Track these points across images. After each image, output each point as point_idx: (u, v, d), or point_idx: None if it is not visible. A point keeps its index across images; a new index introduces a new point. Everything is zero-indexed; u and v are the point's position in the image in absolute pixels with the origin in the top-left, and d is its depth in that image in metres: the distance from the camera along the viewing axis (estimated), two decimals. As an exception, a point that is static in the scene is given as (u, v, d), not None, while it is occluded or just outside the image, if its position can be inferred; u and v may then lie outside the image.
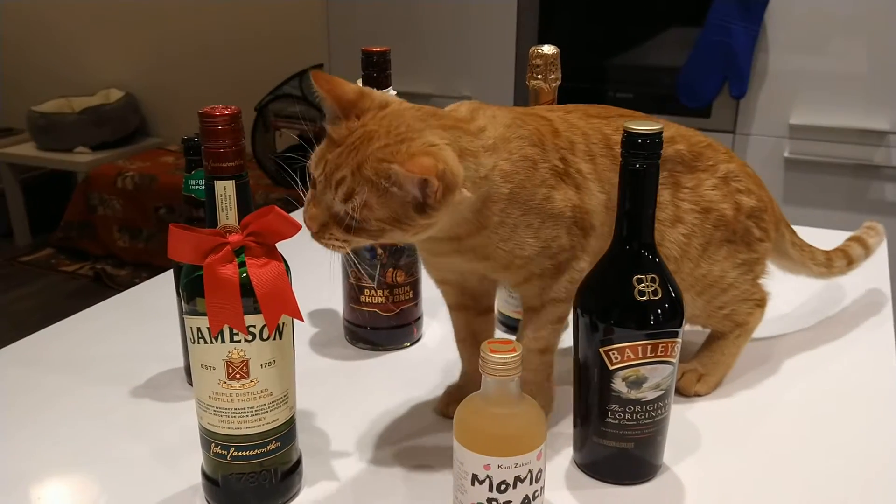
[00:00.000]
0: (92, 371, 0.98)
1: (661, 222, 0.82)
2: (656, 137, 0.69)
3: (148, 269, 3.39)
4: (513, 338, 0.82)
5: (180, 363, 0.96)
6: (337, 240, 0.70)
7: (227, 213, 0.67)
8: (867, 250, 1.08)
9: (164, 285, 1.20)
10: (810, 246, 1.02)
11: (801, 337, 1.04)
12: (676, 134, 0.87)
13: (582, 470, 0.79)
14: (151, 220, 3.46)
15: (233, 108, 0.66)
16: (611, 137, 0.82)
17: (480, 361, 0.65)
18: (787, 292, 1.06)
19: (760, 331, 0.96)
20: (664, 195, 0.84)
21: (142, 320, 1.11)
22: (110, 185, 3.51)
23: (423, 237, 0.72)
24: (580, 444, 0.78)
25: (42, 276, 3.56)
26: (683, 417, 0.86)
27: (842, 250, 1.07)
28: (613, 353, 0.72)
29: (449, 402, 0.87)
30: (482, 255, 0.76)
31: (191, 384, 0.92)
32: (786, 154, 2.13)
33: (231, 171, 0.66)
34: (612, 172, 0.80)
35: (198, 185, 0.87)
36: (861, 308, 1.12)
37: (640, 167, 0.69)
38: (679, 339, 0.73)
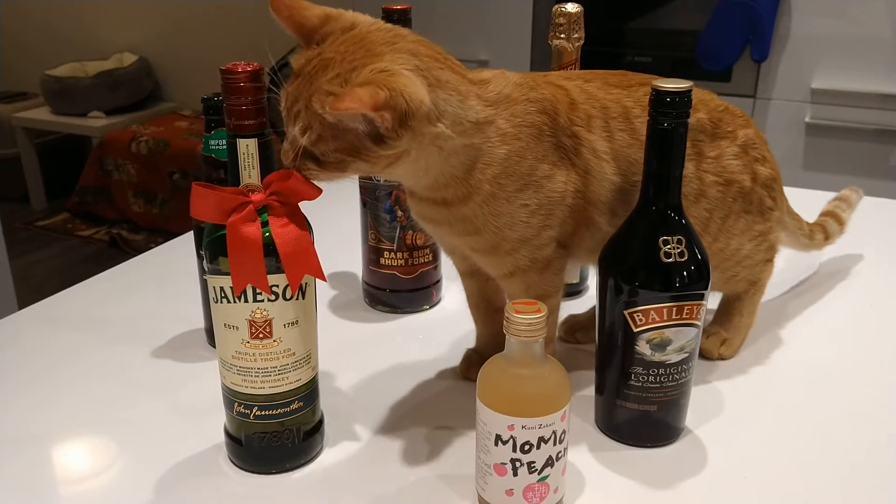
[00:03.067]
0: (112, 331, 0.98)
1: (686, 197, 0.78)
2: (685, 96, 0.67)
3: (163, 234, 3.40)
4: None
5: (201, 324, 0.96)
6: (312, 171, 0.66)
7: (250, 171, 0.66)
8: (842, 226, 1.07)
9: (182, 247, 1.20)
10: (799, 216, 1.00)
11: (811, 295, 1.04)
12: (697, 101, 0.82)
13: (603, 433, 0.78)
14: (166, 185, 3.47)
15: (254, 64, 0.65)
16: (631, 110, 0.77)
17: (505, 322, 0.64)
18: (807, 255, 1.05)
19: (776, 290, 0.95)
20: (689, 168, 0.79)
21: (162, 282, 1.11)
22: (125, 149, 3.51)
23: (399, 171, 0.68)
24: (602, 407, 0.78)
25: (58, 240, 3.58)
26: (705, 380, 0.86)
27: (819, 225, 1.05)
28: (638, 316, 0.71)
29: (469, 366, 0.86)
30: (472, 227, 0.73)
31: (212, 345, 0.93)
32: (807, 119, 2.10)
33: (253, 128, 0.65)
34: (632, 149, 0.76)
35: (217, 145, 0.86)
36: (872, 267, 1.11)
37: (668, 126, 0.68)
38: (704, 302, 0.72)
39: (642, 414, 0.75)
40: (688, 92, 0.67)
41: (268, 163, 0.66)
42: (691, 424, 0.79)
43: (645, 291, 0.70)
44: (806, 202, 1.06)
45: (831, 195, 1.13)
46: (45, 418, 0.82)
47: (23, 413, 0.82)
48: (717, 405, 0.82)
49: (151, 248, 1.24)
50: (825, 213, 1.09)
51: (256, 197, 0.66)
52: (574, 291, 1.07)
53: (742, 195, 0.84)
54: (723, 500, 0.70)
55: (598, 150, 0.75)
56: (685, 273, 0.70)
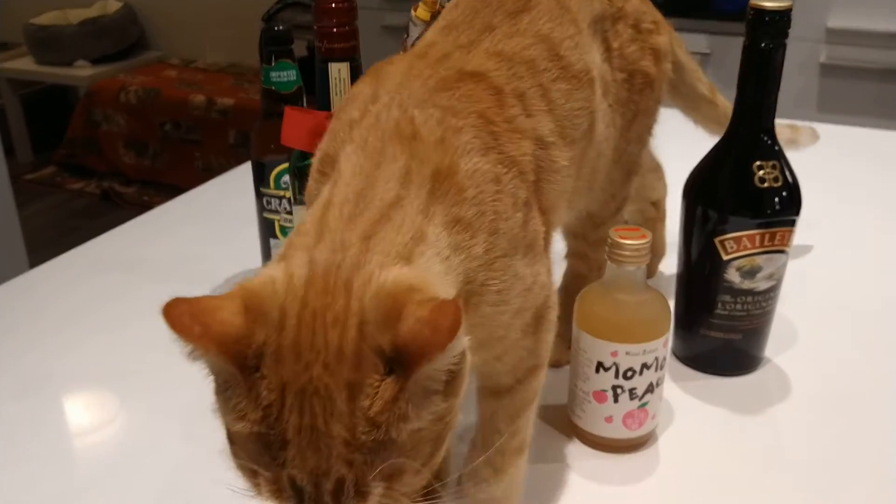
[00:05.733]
0: (159, 272, 0.96)
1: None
2: (786, 14, 0.66)
3: (155, 186, 3.34)
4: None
5: (256, 264, 0.94)
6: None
7: (342, 96, 0.64)
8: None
9: (219, 187, 1.18)
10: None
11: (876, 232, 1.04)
12: None
13: (683, 362, 0.78)
14: (157, 136, 3.39)
15: (347, -16, 0.62)
16: (555, 43, 0.57)
17: (608, 249, 0.63)
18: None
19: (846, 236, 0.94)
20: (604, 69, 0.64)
21: (204, 223, 1.09)
22: (113, 100, 3.42)
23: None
24: (683, 336, 0.78)
25: (48, 194, 3.51)
26: (778, 313, 0.85)
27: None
28: (729, 243, 0.70)
29: None
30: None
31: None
32: (822, 59, 2.09)
33: (346, 52, 0.63)
34: (575, 101, 0.58)
35: (279, 77, 0.83)
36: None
37: (767, 47, 0.66)
38: (795, 229, 0.71)
39: (726, 343, 0.75)
40: (788, 10, 0.66)
41: (360, 87, 0.64)
42: (770, 354, 0.79)
43: (737, 218, 0.69)
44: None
45: (846, 129, 1.10)
46: (89, 358, 0.80)
47: (67, 352, 0.81)
48: (792, 336, 0.82)
49: (144, 200, 1.21)
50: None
51: (350, 123, 0.63)
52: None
53: (648, 85, 0.68)
54: (811, 424, 0.70)
55: (544, 134, 0.55)
56: (779, 199, 0.69)
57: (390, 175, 0.45)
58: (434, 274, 0.42)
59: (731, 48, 2.07)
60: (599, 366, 0.64)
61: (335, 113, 0.54)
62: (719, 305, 0.73)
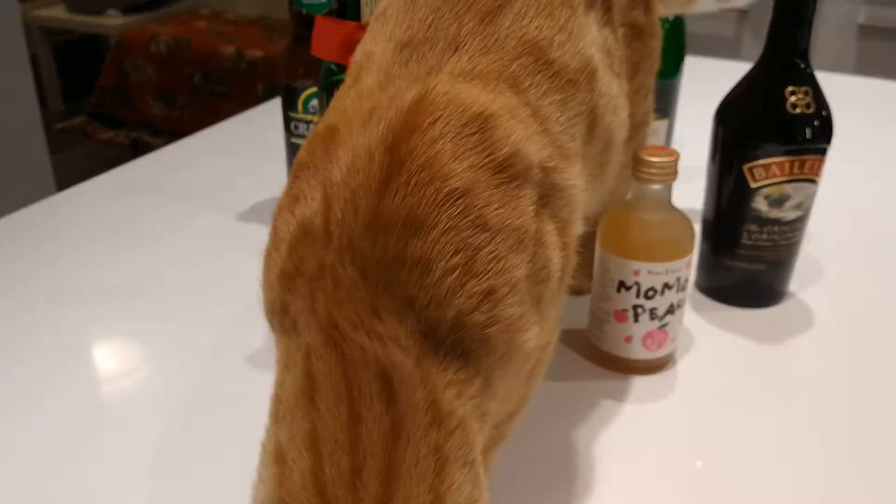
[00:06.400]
0: (190, 197, 0.97)
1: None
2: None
3: (183, 138, 3.36)
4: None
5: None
6: None
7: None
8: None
9: (252, 120, 1.18)
10: None
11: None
12: None
13: (706, 295, 0.78)
14: (186, 88, 3.41)
15: None
16: (543, 48, 0.47)
17: (634, 167, 0.63)
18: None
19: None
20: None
21: (236, 152, 1.09)
22: (143, 49, 3.44)
23: None
24: (708, 268, 0.77)
25: (78, 143, 3.54)
26: (805, 252, 0.85)
27: None
28: (758, 170, 0.70)
29: None
30: None
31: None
32: (860, 20, 2.04)
33: (377, -40, 0.62)
34: (570, 110, 0.49)
35: (310, -2, 0.83)
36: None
37: (805, -32, 0.65)
38: (825, 159, 0.70)
39: (750, 274, 0.74)
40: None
41: None
42: (794, 289, 0.78)
43: (767, 145, 0.69)
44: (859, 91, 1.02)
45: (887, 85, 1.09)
46: (113, 272, 0.81)
47: (95, 266, 0.82)
48: (817, 272, 0.82)
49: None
50: None
51: (380, 33, 0.63)
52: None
53: (638, 34, 0.63)
54: (833, 358, 0.70)
55: (569, 150, 0.49)
56: (810, 126, 0.68)
57: None
58: (465, 501, 0.38)
59: None
60: (621, 285, 0.64)
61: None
62: (745, 235, 0.72)
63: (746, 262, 0.74)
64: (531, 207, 0.43)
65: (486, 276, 0.39)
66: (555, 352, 0.63)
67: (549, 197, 0.45)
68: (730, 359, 0.70)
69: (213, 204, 0.95)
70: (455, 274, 0.38)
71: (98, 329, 0.73)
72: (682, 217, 0.64)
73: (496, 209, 0.40)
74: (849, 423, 0.62)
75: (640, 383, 0.66)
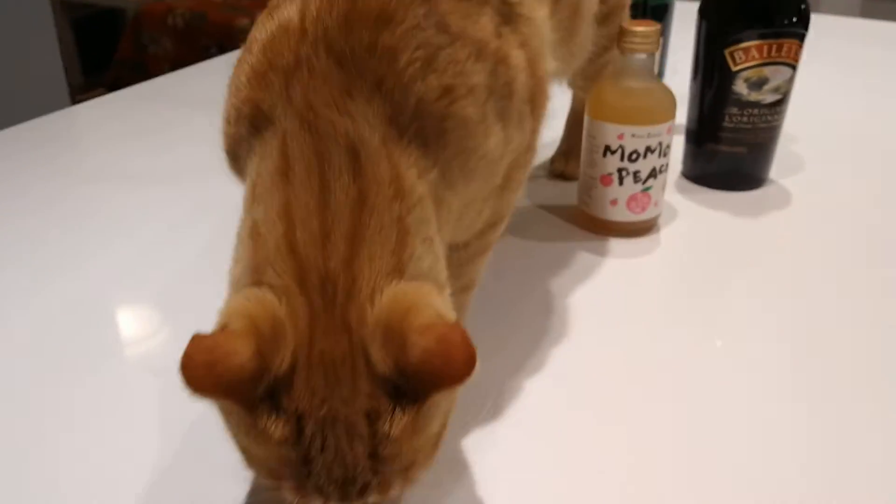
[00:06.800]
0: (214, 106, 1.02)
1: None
2: None
3: (200, 108, 3.42)
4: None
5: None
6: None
7: None
8: None
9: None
10: None
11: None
12: None
13: (693, 181, 0.83)
14: (202, 60, 3.47)
15: None
16: None
17: (619, 39, 0.68)
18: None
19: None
20: None
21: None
22: (160, 23, 3.50)
23: None
24: (693, 154, 0.82)
25: (96, 113, 3.61)
26: (787, 149, 0.90)
27: None
28: (738, 54, 0.74)
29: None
30: None
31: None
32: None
33: None
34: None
35: None
36: None
37: None
38: (803, 44, 0.75)
39: (733, 158, 0.79)
40: None
41: None
42: (774, 176, 0.83)
43: (747, 29, 0.73)
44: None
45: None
46: (151, 166, 0.87)
47: (113, 174, 0.88)
48: (797, 163, 0.86)
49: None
50: None
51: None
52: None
53: None
54: (806, 229, 0.74)
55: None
56: (787, 10, 0.73)
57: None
58: (426, 271, 0.41)
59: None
60: (607, 149, 0.69)
61: None
62: (726, 118, 0.77)
63: (728, 144, 0.78)
64: (491, 26, 0.48)
65: (445, 74, 0.44)
66: (546, 221, 0.69)
67: (513, 23, 0.50)
68: (709, 227, 0.75)
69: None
70: (418, 65, 0.43)
71: (113, 215, 0.78)
72: (663, 86, 0.69)
73: (457, 18, 0.45)
74: (818, 286, 0.67)
75: (623, 244, 0.71)
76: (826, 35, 1.13)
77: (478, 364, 0.35)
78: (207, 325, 0.37)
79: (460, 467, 0.47)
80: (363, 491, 0.38)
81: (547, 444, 0.49)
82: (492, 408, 0.52)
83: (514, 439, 0.49)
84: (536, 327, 0.60)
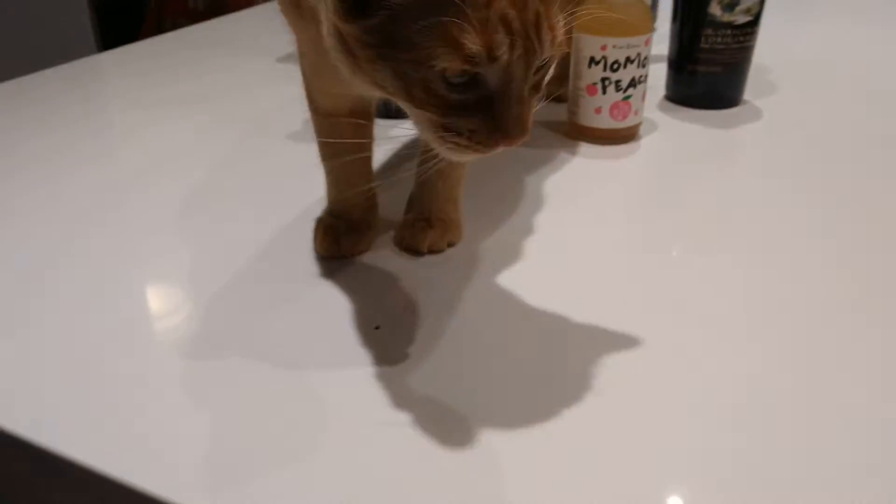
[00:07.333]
0: (260, 49, 1.11)
1: None
2: None
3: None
4: None
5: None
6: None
7: None
8: None
9: None
10: None
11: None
12: None
13: (674, 102, 0.91)
14: (222, 43, 3.57)
15: None
16: None
17: (601, -43, 0.76)
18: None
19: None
20: None
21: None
22: (182, 7, 3.60)
23: None
24: (675, 78, 0.90)
25: (119, 96, 3.72)
26: (761, 76, 0.97)
27: None
28: (712, -22, 0.82)
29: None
30: None
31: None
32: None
33: None
34: None
35: None
36: None
37: None
38: (771, -31, 0.83)
39: (710, 79, 0.87)
40: None
41: None
42: (748, 97, 0.91)
43: (721, -47, 0.81)
44: None
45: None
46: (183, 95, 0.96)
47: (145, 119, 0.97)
48: (770, 87, 0.94)
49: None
50: None
51: None
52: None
53: None
54: (780, 143, 0.82)
55: None
56: (756, -64, 0.81)
57: None
58: None
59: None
60: (591, 60, 0.77)
61: None
62: (703, 40, 0.85)
63: (705, 65, 0.86)
64: None
65: None
66: (538, 133, 0.76)
67: None
68: (685, 137, 0.82)
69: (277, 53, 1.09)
70: None
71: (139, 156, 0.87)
72: (642, 3, 0.77)
73: None
74: (788, 188, 0.74)
75: (607, 149, 0.79)
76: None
77: None
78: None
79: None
80: (537, 22, 0.45)
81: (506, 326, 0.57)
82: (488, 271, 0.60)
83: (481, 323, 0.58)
84: (523, 213, 0.68)
